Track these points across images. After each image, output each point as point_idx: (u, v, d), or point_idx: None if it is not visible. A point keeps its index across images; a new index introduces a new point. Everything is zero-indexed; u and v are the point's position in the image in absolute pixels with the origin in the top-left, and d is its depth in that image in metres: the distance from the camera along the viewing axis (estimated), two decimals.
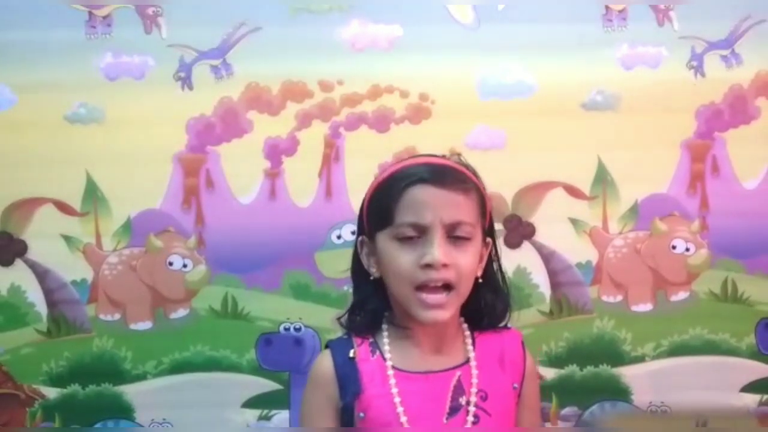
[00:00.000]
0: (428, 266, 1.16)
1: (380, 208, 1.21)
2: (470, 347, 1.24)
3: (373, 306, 1.25)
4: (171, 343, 1.71)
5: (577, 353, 1.74)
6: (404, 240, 1.18)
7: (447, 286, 1.18)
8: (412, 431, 1.18)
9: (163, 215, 1.71)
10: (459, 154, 1.27)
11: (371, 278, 1.24)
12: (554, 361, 1.74)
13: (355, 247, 1.27)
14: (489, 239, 1.25)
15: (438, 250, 1.16)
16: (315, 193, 1.72)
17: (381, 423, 1.19)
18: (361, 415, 1.19)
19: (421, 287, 1.17)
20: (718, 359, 1.75)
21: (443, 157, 1.26)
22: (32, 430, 1.70)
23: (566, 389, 1.74)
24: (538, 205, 1.73)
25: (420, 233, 1.17)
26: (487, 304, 1.25)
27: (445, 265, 1.16)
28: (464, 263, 1.18)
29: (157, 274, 1.71)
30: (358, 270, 1.27)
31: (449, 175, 1.20)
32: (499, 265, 1.28)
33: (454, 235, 1.18)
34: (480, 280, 1.23)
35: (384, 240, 1.20)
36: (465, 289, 1.20)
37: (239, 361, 1.70)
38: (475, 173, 1.25)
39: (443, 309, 1.18)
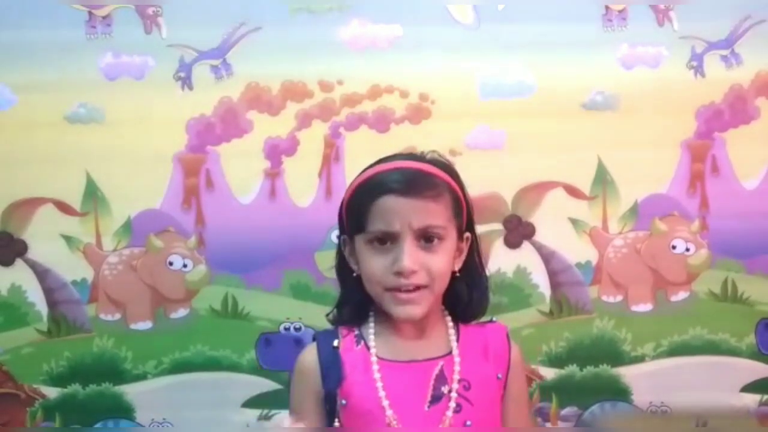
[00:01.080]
0: (398, 273, 1.19)
1: (354, 215, 1.23)
2: (453, 338, 1.25)
3: (358, 299, 1.27)
4: (171, 343, 1.71)
5: (577, 353, 1.74)
6: (377, 245, 1.21)
7: (419, 287, 1.20)
8: (401, 430, 1.19)
9: (163, 215, 1.71)
10: (435, 151, 1.28)
11: (354, 274, 1.26)
12: (554, 362, 1.74)
13: (339, 245, 1.29)
14: (468, 234, 1.26)
15: (407, 257, 1.18)
16: (315, 193, 1.72)
17: (362, 409, 1.20)
18: (344, 402, 1.21)
19: (393, 289, 1.20)
20: (718, 359, 1.75)
21: (420, 154, 1.26)
22: (32, 430, 1.70)
23: (566, 389, 1.74)
24: (538, 205, 1.73)
25: (390, 240, 1.20)
26: (463, 297, 1.26)
27: (414, 272, 1.19)
28: (435, 265, 1.21)
29: (158, 274, 1.71)
30: (342, 266, 1.29)
31: (418, 182, 1.22)
32: (479, 260, 1.29)
33: (425, 237, 1.20)
34: (457, 274, 1.24)
35: (359, 243, 1.23)
36: (439, 287, 1.23)
37: (239, 361, 1.71)
38: (450, 172, 1.25)
39: (416, 305, 1.21)
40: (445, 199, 1.23)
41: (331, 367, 1.23)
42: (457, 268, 1.25)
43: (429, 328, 1.25)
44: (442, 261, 1.21)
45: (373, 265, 1.21)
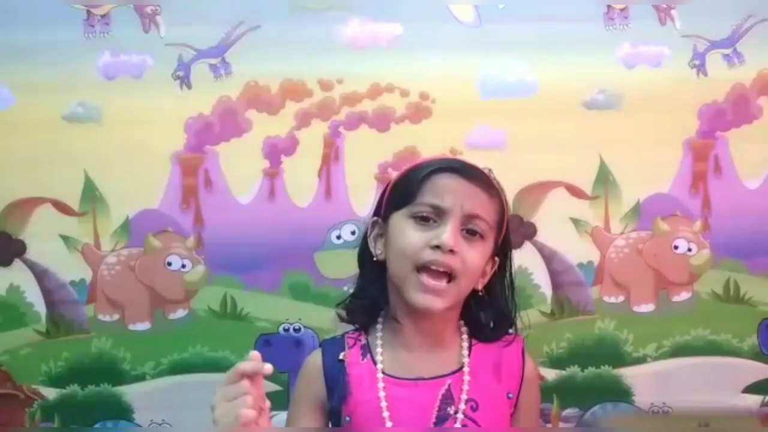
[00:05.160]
0: (437, 247, 1.16)
1: (404, 188, 1.22)
2: (465, 353, 1.23)
3: (373, 292, 1.26)
4: (170, 344, 1.70)
5: (578, 354, 1.73)
6: (420, 220, 1.20)
7: (449, 275, 1.17)
8: (400, 430, 1.18)
9: (162, 215, 1.70)
10: (490, 170, 1.29)
11: (374, 260, 1.25)
12: (555, 362, 1.73)
13: (366, 230, 1.28)
14: (496, 258, 1.25)
15: (450, 234, 1.17)
16: (314, 193, 1.71)
17: (366, 428, 1.19)
18: (348, 418, 1.20)
19: (423, 268, 1.17)
20: (720, 360, 1.74)
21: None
22: (32, 430, 1.69)
23: (567, 390, 1.73)
24: (539, 205, 1.72)
25: (437, 216, 1.19)
26: (484, 321, 1.25)
27: (452, 251, 1.16)
28: (471, 258, 1.19)
29: (156, 274, 1.70)
30: (364, 252, 1.28)
31: (479, 174, 1.24)
32: (511, 287, 1.27)
33: (468, 228, 1.19)
34: (480, 293, 1.23)
35: (399, 218, 1.21)
36: (465, 283, 1.20)
37: (238, 362, 1.69)
38: (503, 191, 1.25)
39: (439, 297, 1.18)
40: (496, 202, 1.23)
41: (336, 382, 1.22)
42: (479, 287, 1.23)
43: (441, 341, 1.23)
44: (476, 258, 1.20)
45: (411, 237, 1.18)
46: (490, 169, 1.30)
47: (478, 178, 1.22)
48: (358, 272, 1.33)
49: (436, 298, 1.18)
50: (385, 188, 1.27)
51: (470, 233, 1.19)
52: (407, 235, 1.19)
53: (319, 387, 1.23)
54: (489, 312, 1.25)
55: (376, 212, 1.28)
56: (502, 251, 1.27)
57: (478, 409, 1.20)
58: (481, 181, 1.22)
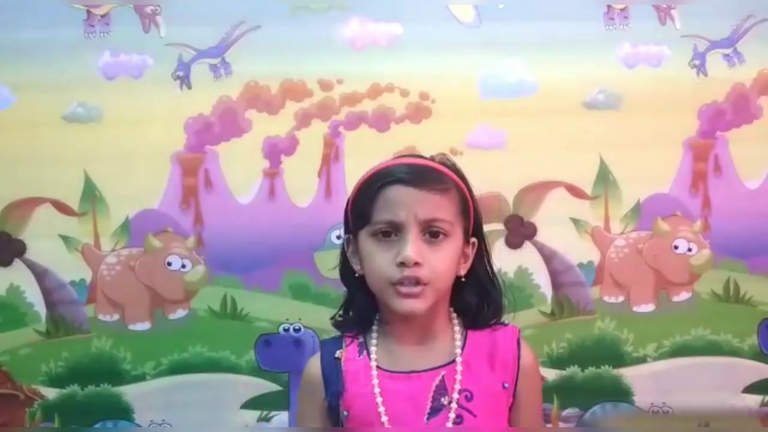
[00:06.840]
0: (402, 264, 1.17)
1: (360, 208, 1.23)
2: (458, 345, 1.24)
3: (362, 302, 1.27)
4: (170, 344, 1.70)
5: (578, 354, 1.73)
6: (381, 238, 1.20)
7: (422, 282, 1.18)
8: (402, 431, 1.18)
9: (162, 215, 1.70)
10: (444, 154, 1.28)
11: (356, 275, 1.25)
12: (555, 362, 1.73)
13: (343, 245, 1.29)
14: (474, 239, 1.25)
15: (411, 248, 1.17)
16: (314, 193, 1.71)
17: (363, 422, 1.20)
18: (345, 413, 1.21)
19: (396, 283, 1.18)
20: (720, 360, 1.74)
21: (430, 158, 1.26)
22: (32, 430, 1.69)
23: (567, 390, 1.73)
24: (539, 205, 1.72)
25: (396, 231, 1.19)
26: (472, 304, 1.25)
27: (417, 263, 1.17)
28: (438, 262, 1.19)
29: (156, 274, 1.70)
30: (345, 268, 1.29)
31: (425, 174, 1.22)
32: (490, 266, 1.28)
33: (430, 232, 1.19)
34: (463, 279, 1.23)
35: (364, 238, 1.22)
36: (441, 285, 1.21)
37: (238, 362, 1.70)
38: (458, 173, 1.25)
39: (418, 299, 1.19)
40: (452, 195, 1.22)
41: (332, 379, 1.23)
42: (462, 273, 1.23)
43: (434, 334, 1.24)
44: (445, 259, 1.20)
45: (377, 258, 1.19)
46: (443, 154, 1.28)
47: (426, 180, 1.20)
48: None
49: (415, 300, 1.19)
50: (346, 206, 1.28)
51: (433, 236, 1.19)
52: (373, 256, 1.20)
53: (319, 389, 1.24)
54: (476, 294, 1.25)
55: (347, 228, 1.28)
56: (477, 232, 1.27)
57: (472, 399, 1.20)
58: (430, 182, 1.20)
